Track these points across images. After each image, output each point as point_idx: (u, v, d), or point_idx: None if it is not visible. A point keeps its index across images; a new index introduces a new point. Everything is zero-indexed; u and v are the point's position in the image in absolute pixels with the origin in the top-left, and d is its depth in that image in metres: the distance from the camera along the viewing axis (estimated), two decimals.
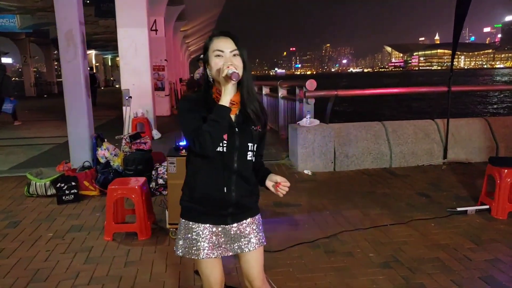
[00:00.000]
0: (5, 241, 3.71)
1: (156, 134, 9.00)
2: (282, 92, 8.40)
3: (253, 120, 1.73)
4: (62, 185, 4.69)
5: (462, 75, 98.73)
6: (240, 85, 1.71)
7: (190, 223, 1.79)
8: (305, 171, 5.76)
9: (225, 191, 1.72)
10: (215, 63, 1.67)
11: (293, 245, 3.45)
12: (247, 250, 1.83)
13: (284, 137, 7.62)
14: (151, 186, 4.89)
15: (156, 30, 12.83)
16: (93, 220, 4.16)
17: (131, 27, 8.77)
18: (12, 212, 4.45)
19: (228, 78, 1.60)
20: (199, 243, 1.77)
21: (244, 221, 1.83)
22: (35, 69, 42.96)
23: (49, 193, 4.90)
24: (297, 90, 7.04)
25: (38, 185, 4.91)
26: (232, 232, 1.81)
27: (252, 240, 1.84)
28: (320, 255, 3.29)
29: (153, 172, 5.07)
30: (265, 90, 10.01)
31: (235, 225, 1.80)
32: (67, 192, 4.69)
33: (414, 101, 26.49)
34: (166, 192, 4.48)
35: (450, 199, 4.59)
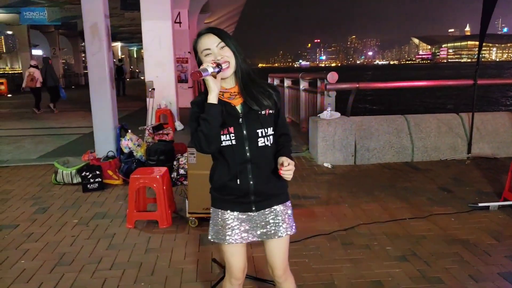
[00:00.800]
0: (34, 225, 3.89)
1: (178, 126, 9.14)
2: (303, 85, 8.37)
3: (257, 106, 1.71)
4: (87, 173, 4.86)
5: (493, 67, 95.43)
6: (236, 75, 1.73)
7: (218, 210, 1.85)
8: (325, 164, 5.76)
9: (238, 182, 1.75)
10: (206, 62, 1.67)
11: (310, 237, 3.47)
12: (273, 237, 1.84)
13: (305, 130, 7.61)
14: (172, 176, 5.00)
15: (180, 23, 12.95)
16: (116, 208, 4.30)
17: (155, 19, 8.89)
18: (40, 199, 4.65)
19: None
20: (225, 230, 1.82)
21: (270, 208, 1.83)
22: (63, 61, 44.02)
23: (75, 181, 5.08)
24: (319, 83, 7.01)
25: (65, 174, 5.10)
26: (257, 219, 1.83)
27: (279, 228, 1.84)
28: (337, 247, 3.31)
29: (175, 163, 5.18)
30: (287, 83, 9.98)
31: (260, 212, 1.82)
32: (91, 180, 4.86)
33: (440, 94, 25.82)
34: (186, 182, 4.57)
35: (472, 194, 4.50)
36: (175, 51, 9.55)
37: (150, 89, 8.63)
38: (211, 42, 1.68)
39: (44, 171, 5.76)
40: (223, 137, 1.71)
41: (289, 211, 1.89)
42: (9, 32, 30.52)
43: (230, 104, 1.73)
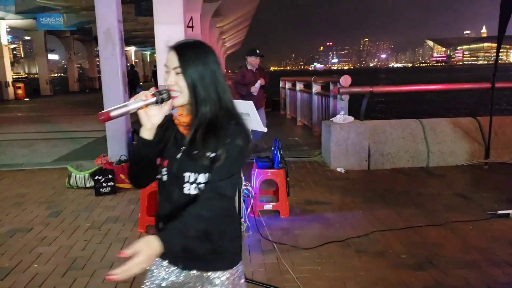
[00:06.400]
0: (48, 229, 3.90)
1: None
2: (316, 88, 8.32)
3: (199, 145, 1.33)
4: (100, 177, 4.87)
5: (511, 70, 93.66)
6: (190, 108, 1.36)
7: None
8: (338, 169, 5.68)
9: (161, 226, 1.44)
10: (164, 79, 1.38)
11: (322, 244, 3.41)
12: None
13: (317, 134, 7.55)
14: None
15: (192, 27, 12.99)
16: (128, 212, 4.30)
17: (167, 24, 8.90)
18: (54, 202, 4.68)
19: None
20: (147, 272, 1.48)
21: (194, 272, 1.42)
22: (78, 65, 44.74)
23: (87, 185, 5.11)
24: (331, 86, 6.95)
25: (78, 177, 5.13)
26: (179, 280, 1.44)
27: None
28: (350, 255, 3.24)
29: None
30: (299, 86, 9.94)
31: (187, 272, 1.43)
32: (104, 184, 4.87)
33: (457, 98, 25.42)
34: None
35: (491, 201, 4.38)
36: None
37: None
38: (171, 62, 1.34)
39: (58, 175, 5.80)
40: (162, 169, 1.42)
41: (226, 285, 1.40)
42: (27, 38, 31.14)
43: (182, 133, 1.39)
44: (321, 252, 3.28)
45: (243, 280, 1.47)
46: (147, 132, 1.34)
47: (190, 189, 1.35)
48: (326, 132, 5.99)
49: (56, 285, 2.89)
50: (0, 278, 2.98)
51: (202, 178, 1.34)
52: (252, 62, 6.18)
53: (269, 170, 4.06)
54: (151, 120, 1.32)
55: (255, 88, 6.08)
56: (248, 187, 3.87)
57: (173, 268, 1.44)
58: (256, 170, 4.08)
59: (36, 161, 6.71)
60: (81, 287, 2.85)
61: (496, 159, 5.86)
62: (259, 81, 6.11)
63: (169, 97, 1.32)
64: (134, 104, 1.27)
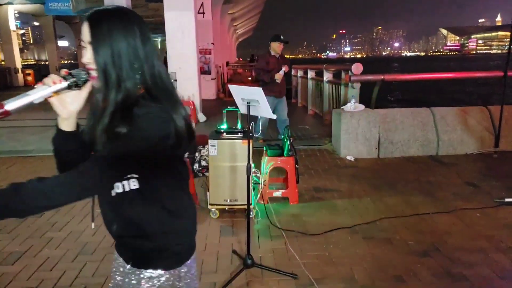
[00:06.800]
0: (58, 215, 3.96)
1: (201, 117, 9.18)
2: (327, 76, 8.27)
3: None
4: None
5: None
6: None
7: None
8: (348, 157, 5.68)
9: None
10: (82, 55, 1.15)
11: (330, 230, 3.45)
12: None
13: (328, 122, 7.53)
14: (194, 167, 5.03)
15: (203, 13, 12.92)
16: None
17: (178, 10, 8.89)
18: None
19: None
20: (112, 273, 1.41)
21: (135, 268, 1.28)
22: None
23: None
24: (343, 74, 6.91)
25: None
26: (124, 277, 1.31)
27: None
28: (358, 241, 3.27)
29: (197, 154, 5.20)
30: (311, 74, 9.89)
31: (128, 267, 1.30)
32: None
33: (470, 87, 25.05)
34: (208, 174, 4.59)
35: (499, 189, 4.36)
36: (198, 42, 9.56)
37: (172, 81, 8.68)
38: (85, 35, 1.11)
39: None
40: None
41: (164, 285, 1.24)
42: (36, 23, 31.21)
43: None
44: (329, 238, 3.32)
45: (186, 282, 1.30)
46: (66, 123, 1.14)
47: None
48: (337, 120, 5.98)
49: (67, 269, 2.94)
50: (11, 262, 3.04)
51: None
52: (276, 48, 6.06)
53: (279, 158, 4.08)
54: (68, 108, 1.12)
55: (279, 75, 5.98)
56: (257, 174, 3.91)
57: (120, 261, 1.33)
58: (266, 157, 4.11)
59: (46, 148, 6.79)
60: (90, 272, 2.91)
61: (506, 148, 5.81)
62: (283, 68, 6.00)
63: (88, 78, 1.11)
64: (38, 92, 1.04)
